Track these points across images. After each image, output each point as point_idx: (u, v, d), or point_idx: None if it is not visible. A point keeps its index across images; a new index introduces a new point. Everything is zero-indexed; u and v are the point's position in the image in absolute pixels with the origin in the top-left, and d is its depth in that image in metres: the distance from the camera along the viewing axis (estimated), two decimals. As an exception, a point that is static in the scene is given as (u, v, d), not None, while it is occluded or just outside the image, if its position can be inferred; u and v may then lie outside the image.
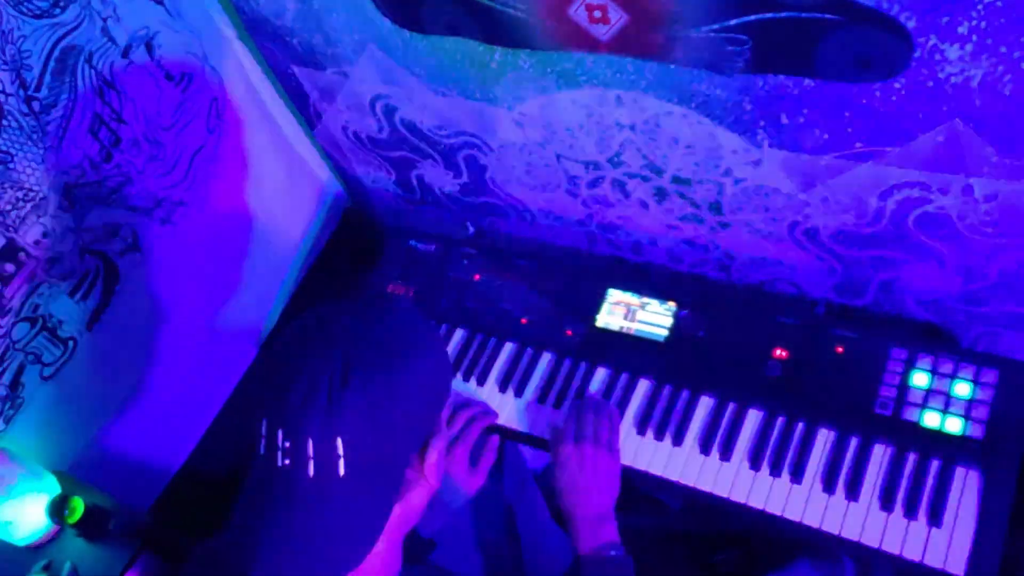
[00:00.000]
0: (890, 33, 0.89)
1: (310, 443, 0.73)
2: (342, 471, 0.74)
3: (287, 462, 0.73)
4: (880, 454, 1.15)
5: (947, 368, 1.16)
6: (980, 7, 0.83)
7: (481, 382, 1.37)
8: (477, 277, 1.46)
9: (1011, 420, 1.10)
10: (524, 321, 1.39)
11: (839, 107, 1.02)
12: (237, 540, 0.75)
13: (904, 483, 1.12)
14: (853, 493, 1.12)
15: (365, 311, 0.80)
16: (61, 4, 1.12)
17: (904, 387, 1.16)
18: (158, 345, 1.44)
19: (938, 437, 1.12)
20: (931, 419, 1.13)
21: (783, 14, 0.93)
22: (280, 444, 0.73)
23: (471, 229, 1.71)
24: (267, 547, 0.74)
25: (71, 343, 1.27)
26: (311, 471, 0.73)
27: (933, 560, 1.05)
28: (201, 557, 0.87)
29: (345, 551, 0.76)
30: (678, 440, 1.23)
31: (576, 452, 1.15)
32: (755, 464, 1.18)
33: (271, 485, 0.75)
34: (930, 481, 1.11)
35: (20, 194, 1.13)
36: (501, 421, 1.32)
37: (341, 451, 0.73)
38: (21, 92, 1.09)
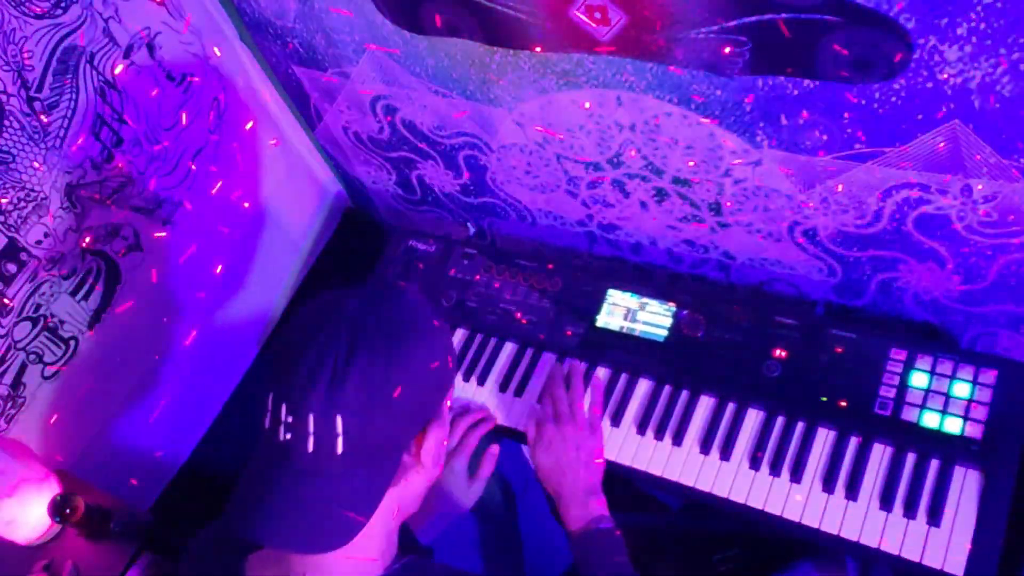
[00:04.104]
0: (889, 34, 0.90)
1: (311, 419, 0.75)
2: (340, 448, 0.76)
3: (288, 436, 0.76)
4: (879, 454, 1.15)
5: (946, 368, 1.16)
6: (979, 8, 0.83)
7: (481, 382, 1.38)
8: (477, 277, 1.46)
9: (1010, 420, 1.11)
10: (524, 321, 1.40)
11: (839, 108, 1.02)
12: (237, 510, 0.78)
13: (903, 483, 1.12)
14: (852, 493, 1.12)
15: (374, 296, 0.83)
16: (63, 5, 1.12)
17: (903, 387, 1.16)
18: (159, 345, 1.45)
19: (937, 437, 1.12)
20: (930, 419, 1.13)
21: (782, 15, 0.94)
22: (283, 418, 0.76)
23: (471, 229, 1.71)
24: (265, 516, 0.76)
25: (72, 343, 1.27)
26: (311, 446, 0.76)
27: (932, 560, 1.05)
28: (202, 540, 0.91)
29: (338, 526, 0.78)
30: (678, 440, 1.23)
31: (558, 432, 1.17)
32: (755, 464, 1.18)
33: (272, 458, 0.78)
34: (929, 481, 1.11)
35: (22, 194, 1.13)
36: (502, 421, 1.32)
37: (340, 429, 0.76)
38: (23, 92, 1.10)
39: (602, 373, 1.33)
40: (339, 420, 0.76)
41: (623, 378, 1.32)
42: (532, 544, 1.33)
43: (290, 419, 0.76)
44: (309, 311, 0.83)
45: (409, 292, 0.87)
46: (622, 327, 1.34)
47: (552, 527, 1.34)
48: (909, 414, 1.14)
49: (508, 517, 1.35)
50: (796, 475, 1.16)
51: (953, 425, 1.12)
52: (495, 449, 1.25)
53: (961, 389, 1.14)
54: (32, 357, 1.22)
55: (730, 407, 1.24)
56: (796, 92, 1.03)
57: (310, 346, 0.77)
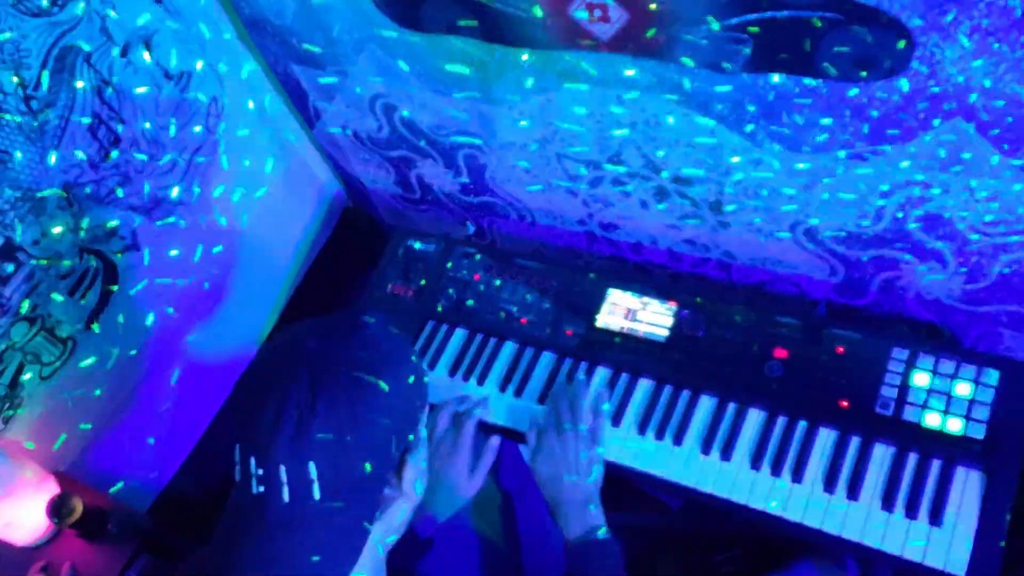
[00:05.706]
0: (891, 32, 0.89)
1: (282, 469, 0.74)
2: (317, 495, 0.75)
3: (261, 489, 0.74)
4: (881, 454, 1.15)
5: (948, 368, 1.16)
6: (982, 6, 0.83)
7: (481, 382, 1.37)
8: (477, 277, 1.46)
9: (1012, 420, 1.10)
10: (524, 321, 1.39)
11: (840, 106, 1.02)
12: (218, 569, 0.76)
13: (905, 483, 1.11)
14: (854, 493, 1.12)
15: (332, 333, 0.81)
16: (60, 3, 1.12)
17: (905, 387, 1.16)
18: (157, 344, 1.44)
19: (939, 437, 1.12)
20: (932, 419, 1.13)
21: (784, 13, 0.93)
22: (254, 471, 0.75)
23: (471, 229, 1.71)
24: (247, 573, 0.74)
25: (70, 343, 1.27)
26: (286, 496, 0.74)
27: (933, 560, 1.05)
28: None
29: (326, 572, 0.76)
30: (679, 440, 1.23)
31: (559, 441, 1.17)
32: (756, 464, 1.18)
33: (248, 511, 0.76)
34: (931, 481, 1.11)
35: (18, 193, 1.13)
36: (501, 421, 1.32)
37: (314, 475, 0.74)
38: (20, 91, 1.09)
39: (602, 373, 1.33)
40: (312, 467, 0.74)
41: (623, 378, 1.31)
42: (531, 544, 1.33)
43: (261, 471, 0.74)
44: (267, 353, 0.81)
45: (370, 321, 0.84)
46: (622, 327, 1.34)
47: (552, 529, 1.33)
48: (911, 414, 1.14)
49: (504, 514, 1.35)
50: (797, 475, 1.15)
51: (955, 425, 1.12)
52: (495, 441, 1.25)
53: (963, 389, 1.14)
54: (29, 357, 1.21)
55: (731, 407, 1.24)
56: (797, 90, 1.02)
57: (270, 394, 0.75)
